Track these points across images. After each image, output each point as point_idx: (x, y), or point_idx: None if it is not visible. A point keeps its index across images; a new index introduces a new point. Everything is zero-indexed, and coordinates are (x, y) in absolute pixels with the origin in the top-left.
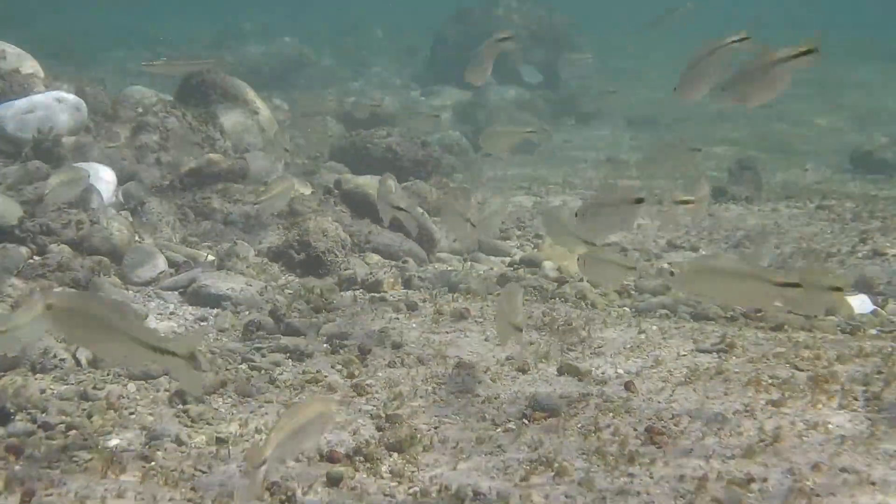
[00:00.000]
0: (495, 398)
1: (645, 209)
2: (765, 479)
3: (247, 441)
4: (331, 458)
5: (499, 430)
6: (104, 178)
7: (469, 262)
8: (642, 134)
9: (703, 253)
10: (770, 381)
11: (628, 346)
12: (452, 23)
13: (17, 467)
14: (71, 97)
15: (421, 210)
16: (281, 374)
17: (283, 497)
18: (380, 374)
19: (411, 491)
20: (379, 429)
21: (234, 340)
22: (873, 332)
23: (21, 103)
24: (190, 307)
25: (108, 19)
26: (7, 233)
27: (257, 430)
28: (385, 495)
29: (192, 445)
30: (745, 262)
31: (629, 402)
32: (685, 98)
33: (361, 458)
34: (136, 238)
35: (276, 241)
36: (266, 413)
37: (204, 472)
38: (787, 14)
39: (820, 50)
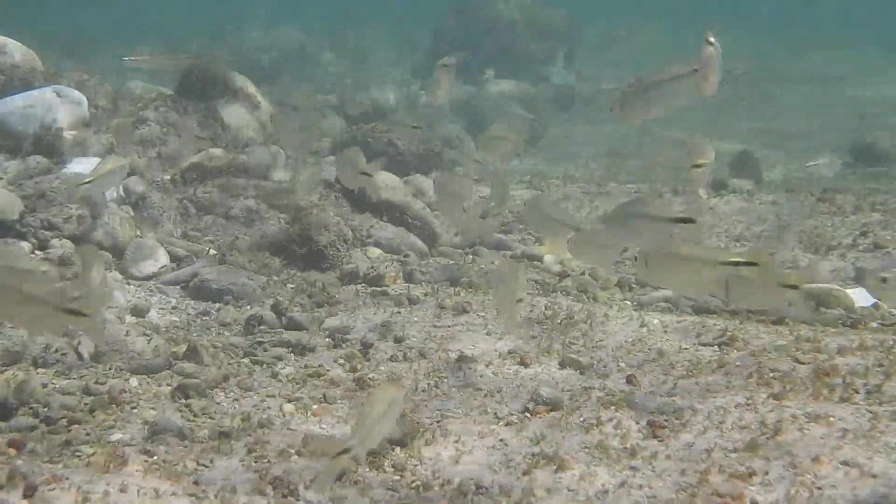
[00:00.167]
0: (497, 392)
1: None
2: (766, 473)
3: (249, 436)
4: None
5: (501, 423)
6: None
7: (471, 256)
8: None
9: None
10: (771, 374)
11: (630, 339)
12: (453, 16)
13: (19, 462)
14: (71, 91)
15: (422, 204)
16: (283, 368)
17: (286, 491)
18: (382, 368)
19: (414, 485)
20: None
21: (236, 335)
22: (874, 324)
23: (21, 98)
24: (192, 301)
25: (109, 12)
26: (8, 227)
27: (260, 425)
28: (388, 489)
29: (195, 439)
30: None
31: (631, 395)
32: (621, 119)
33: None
34: (138, 233)
35: (277, 235)
36: (268, 407)
37: (206, 467)
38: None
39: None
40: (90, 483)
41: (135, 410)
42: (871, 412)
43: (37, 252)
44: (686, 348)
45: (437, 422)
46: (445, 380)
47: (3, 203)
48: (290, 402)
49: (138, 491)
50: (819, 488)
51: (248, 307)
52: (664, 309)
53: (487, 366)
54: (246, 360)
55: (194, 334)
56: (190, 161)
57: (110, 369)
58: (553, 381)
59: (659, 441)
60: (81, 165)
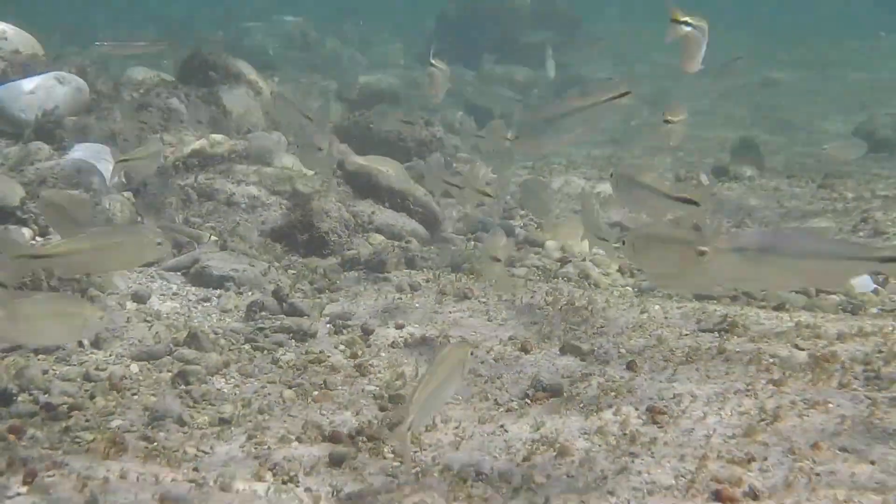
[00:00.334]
0: (498, 378)
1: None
2: (765, 458)
3: (249, 422)
4: (333, 438)
5: (501, 409)
6: (106, 159)
7: (472, 242)
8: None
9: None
10: (771, 360)
11: (630, 325)
12: (455, 2)
13: (19, 448)
14: (72, 77)
15: (423, 190)
16: (284, 354)
17: (286, 478)
18: (383, 355)
19: (414, 471)
20: (382, 409)
21: (237, 321)
22: (874, 310)
23: (22, 84)
24: (193, 288)
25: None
26: (9, 214)
27: (260, 411)
28: (388, 475)
29: (195, 426)
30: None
31: (631, 381)
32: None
33: (364, 439)
34: (139, 219)
35: (279, 221)
36: (269, 394)
37: (206, 453)
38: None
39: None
40: (90, 469)
41: (135, 397)
42: (869, 398)
43: (38, 238)
44: (686, 334)
45: None
46: None
47: (4, 189)
48: (290, 388)
49: (138, 477)
50: (817, 474)
51: (250, 293)
52: (665, 295)
53: (488, 352)
54: (247, 347)
55: (195, 321)
56: (191, 147)
57: (111, 356)
58: (553, 367)
59: (658, 427)
60: (82, 152)
